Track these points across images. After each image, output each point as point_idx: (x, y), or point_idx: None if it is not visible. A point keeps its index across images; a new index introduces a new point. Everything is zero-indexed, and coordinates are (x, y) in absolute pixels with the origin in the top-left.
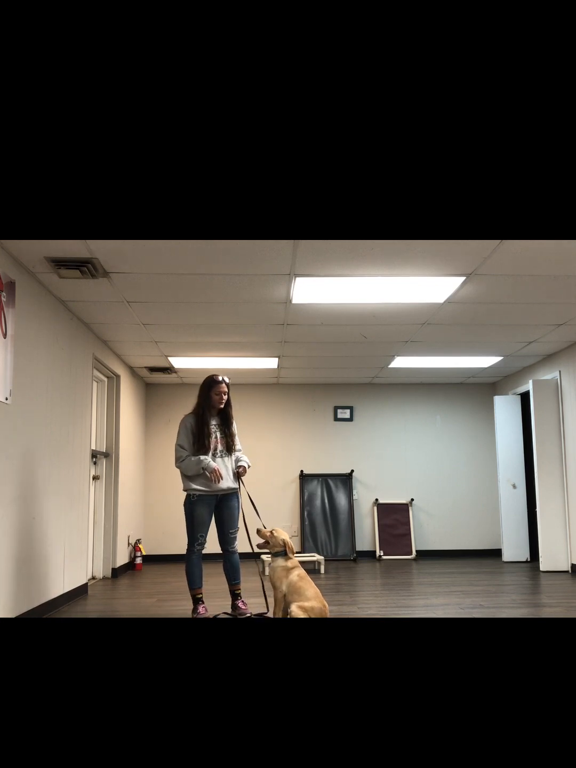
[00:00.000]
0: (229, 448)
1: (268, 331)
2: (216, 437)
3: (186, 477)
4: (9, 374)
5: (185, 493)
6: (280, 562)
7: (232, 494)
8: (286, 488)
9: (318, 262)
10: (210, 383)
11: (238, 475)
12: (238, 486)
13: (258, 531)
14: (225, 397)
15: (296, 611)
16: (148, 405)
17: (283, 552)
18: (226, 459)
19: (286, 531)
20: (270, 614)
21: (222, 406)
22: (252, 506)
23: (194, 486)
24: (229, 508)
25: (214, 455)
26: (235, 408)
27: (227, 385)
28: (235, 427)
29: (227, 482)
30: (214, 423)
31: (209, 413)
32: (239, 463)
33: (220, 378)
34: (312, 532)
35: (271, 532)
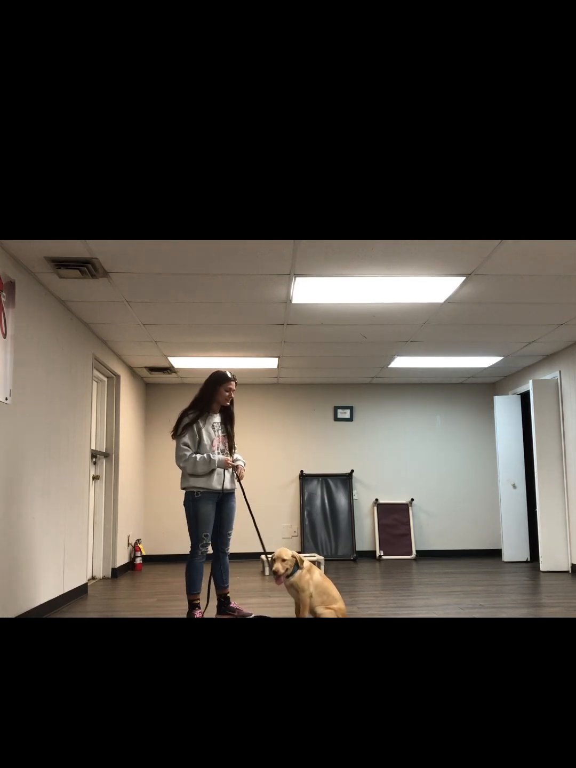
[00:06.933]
0: (232, 448)
1: (268, 331)
2: (219, 436)
3: (188, 474)
4: (9, 374)
5: (185, 492)
6: (296, 573)
7: (231, 495)
8: (286, 488)
9: (318, 262)
10: (221, 379)
11: (239, 477)
12: (235, 487)
13: (275, 572)
14: (232, 396)
15: (325, 613)
16: (148, 405)
17: (296, 568)
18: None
19: (287, 531)
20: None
21: (228, 404)
22: (249, 511)
23: (197, 484)
24: (229, 509)
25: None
26: (235, 408)
27: (236, 382)
28: None
29: (229, 482)
30: (216, 421)
31: (213, 410)
32: (237, 464)
33: (231, 375)
34: (312, 532)
35: (281, 558)
